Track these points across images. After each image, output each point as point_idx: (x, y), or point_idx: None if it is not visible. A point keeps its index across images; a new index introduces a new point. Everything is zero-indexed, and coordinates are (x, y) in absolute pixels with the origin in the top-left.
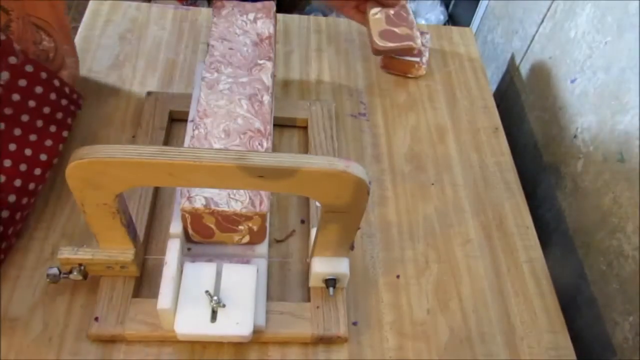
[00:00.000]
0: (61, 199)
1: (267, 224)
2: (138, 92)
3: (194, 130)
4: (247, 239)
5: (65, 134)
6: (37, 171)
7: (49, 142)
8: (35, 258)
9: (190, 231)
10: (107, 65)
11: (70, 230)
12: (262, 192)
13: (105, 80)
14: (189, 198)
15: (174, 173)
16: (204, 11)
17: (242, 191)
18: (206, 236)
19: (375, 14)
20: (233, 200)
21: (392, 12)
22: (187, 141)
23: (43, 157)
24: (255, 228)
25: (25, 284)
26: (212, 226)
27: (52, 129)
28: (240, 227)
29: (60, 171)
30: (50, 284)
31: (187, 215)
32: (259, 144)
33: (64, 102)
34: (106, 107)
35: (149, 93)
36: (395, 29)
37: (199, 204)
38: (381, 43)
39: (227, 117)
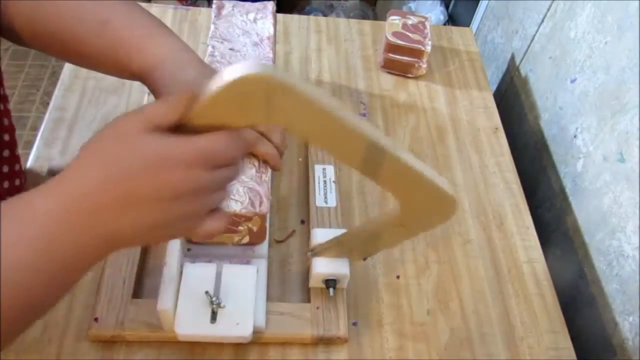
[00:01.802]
0: None
1: (267, 225)
2: (138, 93)
3: None
4: (246, 239)
5: (1, 107)
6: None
7: (6, 121)
8: None
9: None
10: None
11: None
12: (262, 192)
13: (105, 80)
14: None
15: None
16: (204, 11)
17: (241, 191)
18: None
19: (395, 20)
20: (233, 200)
21: (410, 21)
22: None
23: (6, 137)
24: (255, 228)
25: None
26: None
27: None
28: (240, 228)
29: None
30: None
31: None
32: None
33: None
34: (106, 107)
35: (149, 94)
36: (409, 34)
37: None
38: (392, 38)
39: None
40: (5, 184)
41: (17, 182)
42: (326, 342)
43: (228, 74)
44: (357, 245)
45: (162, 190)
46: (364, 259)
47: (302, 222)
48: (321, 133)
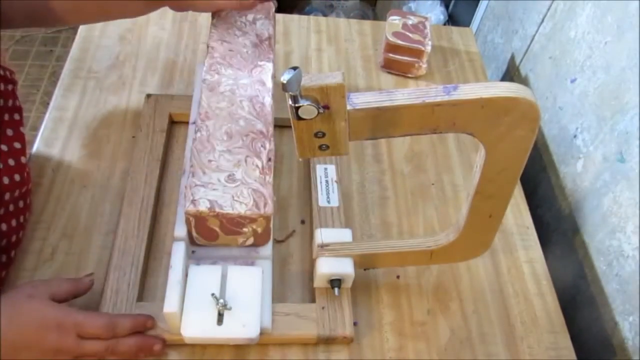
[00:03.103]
0: (61, 199)
1: (271, 226)
2: (138, 93)
3: (196, 132)
4: (251, 240)
5: (17, 116)
6: (11, 162)
7: (10, 132)
8: (35, 258)
9: (194, 234)
10: (107, 65)
11: (71, 231)
12: (266, 194)
13: (105, 80)
14: (194, 201)
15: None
16: None
17: (246, 193)
18: (210, 239)
19: (395, 20)
20: (237, 202)
21: (410, 21)
22: (189, 143)
23: (17, 145)
24: (259, 230)
25: None
26: (217, 229)
27: (6, 117)
28: (245, 230)
29: (61, 171)
30: None
31: (191, 218)
32: (262, 145)
33: (2, 86)
34: (106, 107)
35: (148, 96)
36: (409, 34)
37: (203, 207)
38: (392, 38)
39: (228, 119)
40: (17, 193)
41: (24, 189)
42: (330, 342)
43: (503, 90)
44: (369, 256)
45: (42, 343)
46: (365, 269)
47: (302, 222)
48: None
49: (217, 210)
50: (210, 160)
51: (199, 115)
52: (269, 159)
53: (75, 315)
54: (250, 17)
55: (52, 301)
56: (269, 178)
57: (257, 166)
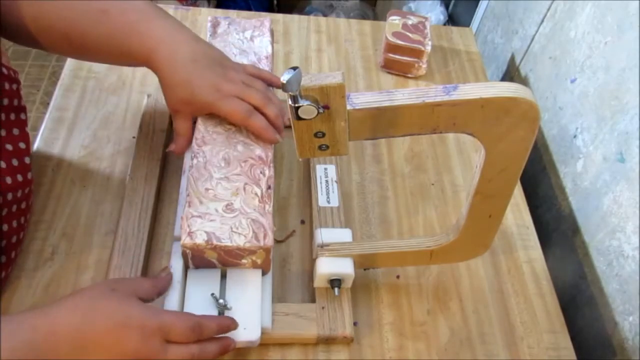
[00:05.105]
0: (61, 199)
1: (272, 257)
2: (138, 93)
3: (192, 159)
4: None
5: (23, 116)
6: (15, 162)
7: (16, 131)
8: (35, 258)
9: (190, 265)
10: (107, 66)
11: (71, 231)
12: (266, 224)
13: (105, 80)
14: (190, 234)
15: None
16: (204, 11)
17: (244, 224)
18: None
19: (394, 20)
20: (236, 234)
21: (410, 21)
22: (186, 171)
23: (22, 145)
24: (259, 261)
25: (25, 284)
26: (214, 260)
27: (12, 116)
28: (244, 261)
29: (61, 171)
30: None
31: (187, 251)
32: (261, 172)
33: (7, 85)
34: (106, 107)
35: (148, 96)
36: (409, 34)
37: (200, 239)
38: (392, 38)
39: (226, 143)
40: (19, 194)
41: (27, 189)
42: (330, 342)
43: (503, 90)
44: (369, 256)
45: (119, 344)
46: (365, 269)
47: (302, 222)
48: None
49: (215, 242)
50: (207, 189)
51: (196, 141)
52: (269, 187)
53: (161, 316)
54: (247, 33)
55: (137, 299)
56: (269, 207)
57: (256, 194)
